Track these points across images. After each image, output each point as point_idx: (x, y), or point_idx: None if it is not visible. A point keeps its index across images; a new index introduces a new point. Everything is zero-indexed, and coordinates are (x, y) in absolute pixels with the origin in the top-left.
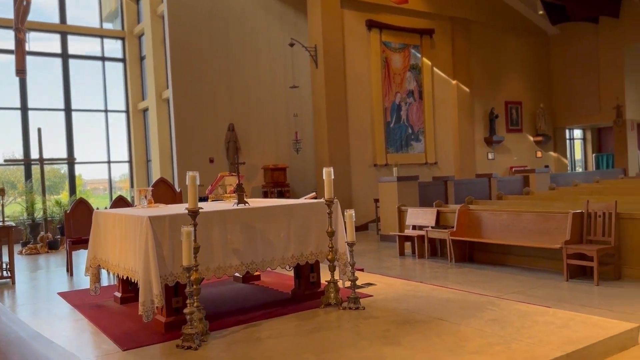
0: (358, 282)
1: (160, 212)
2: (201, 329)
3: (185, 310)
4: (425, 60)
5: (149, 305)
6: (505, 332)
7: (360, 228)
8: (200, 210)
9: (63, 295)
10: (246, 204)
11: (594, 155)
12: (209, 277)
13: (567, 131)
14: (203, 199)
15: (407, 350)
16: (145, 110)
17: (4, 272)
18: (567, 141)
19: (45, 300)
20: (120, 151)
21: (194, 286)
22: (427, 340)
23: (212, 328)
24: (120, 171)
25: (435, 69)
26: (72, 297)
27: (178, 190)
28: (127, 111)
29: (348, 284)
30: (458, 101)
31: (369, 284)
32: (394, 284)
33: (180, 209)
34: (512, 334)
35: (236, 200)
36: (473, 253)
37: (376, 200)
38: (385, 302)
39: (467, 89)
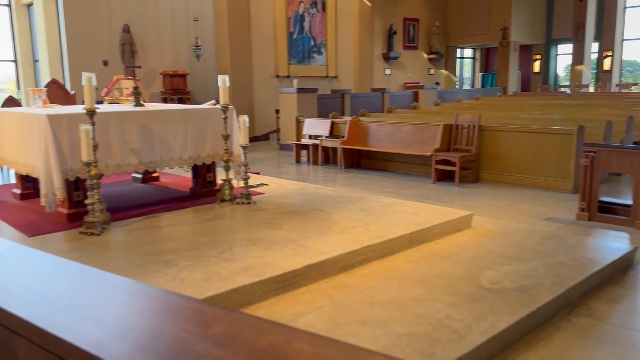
0: (253, 184)
1: (58, 111)
2: (103, 218)
3: (87, 201)
4: None
5: (51, 197)
6: (368, 218)
7: (261, 138)
8: (97, 110)
9: None
10: (143, 107)
11: (480, 74)
12: (108, 173)
13: (458, 50)
14: (99, 102)
15: (285, 232)
16: (29, 5)
17: None
18: (458, 60)
19: None
20: (3, 49)
21: (94, 180)
22: (303, 225)
23: (113, 219)
24: (4, 71)
25: None
26: None
27: (72, 92)
28: (9, 5)
29: (242, 183)
30: (360, 15)
31: (262, 184)
32: (284, 184)
33: (76, 109)
34: (373, 219)
35: (133, 103)
36: (361, 160)
37: (277, 111)
38: (275, 198)
39: (369, 3)
